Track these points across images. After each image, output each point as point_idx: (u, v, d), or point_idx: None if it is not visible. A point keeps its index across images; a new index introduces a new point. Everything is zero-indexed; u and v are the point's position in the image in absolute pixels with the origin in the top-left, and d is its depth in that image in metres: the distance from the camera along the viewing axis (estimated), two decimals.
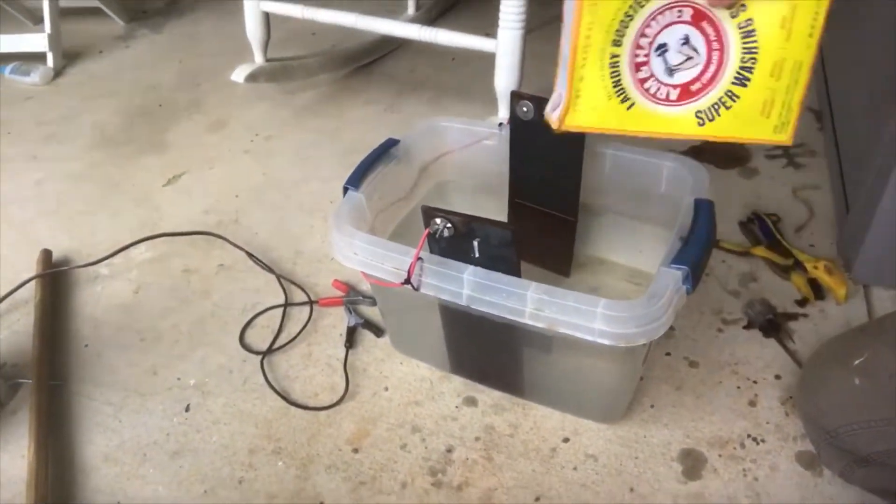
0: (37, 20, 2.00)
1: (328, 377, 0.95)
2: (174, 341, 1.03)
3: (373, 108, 1.51)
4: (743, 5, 0.59)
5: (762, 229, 1.05)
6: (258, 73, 1.45)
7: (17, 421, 0.93)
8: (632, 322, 0.64)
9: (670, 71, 0.63)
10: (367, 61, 1.67)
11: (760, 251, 1.02)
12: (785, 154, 1.22)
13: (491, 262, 0.71)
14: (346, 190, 0.84)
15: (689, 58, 0.62)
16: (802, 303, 0.96)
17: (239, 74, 1.43)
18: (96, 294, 1.12)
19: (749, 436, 0.82)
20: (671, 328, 0.66)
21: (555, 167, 0.87)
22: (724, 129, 0.64)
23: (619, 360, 0.76)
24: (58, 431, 0.92)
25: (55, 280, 1.14)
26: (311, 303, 1.05)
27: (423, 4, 1.78)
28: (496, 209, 0.96)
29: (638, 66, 0.63)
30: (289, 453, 0.86)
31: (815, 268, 0.97)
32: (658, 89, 0.64)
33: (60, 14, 1.82)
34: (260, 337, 1.02)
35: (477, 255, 0.71)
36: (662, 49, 0.62)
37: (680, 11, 0.60)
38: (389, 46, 1.70)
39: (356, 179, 0.84)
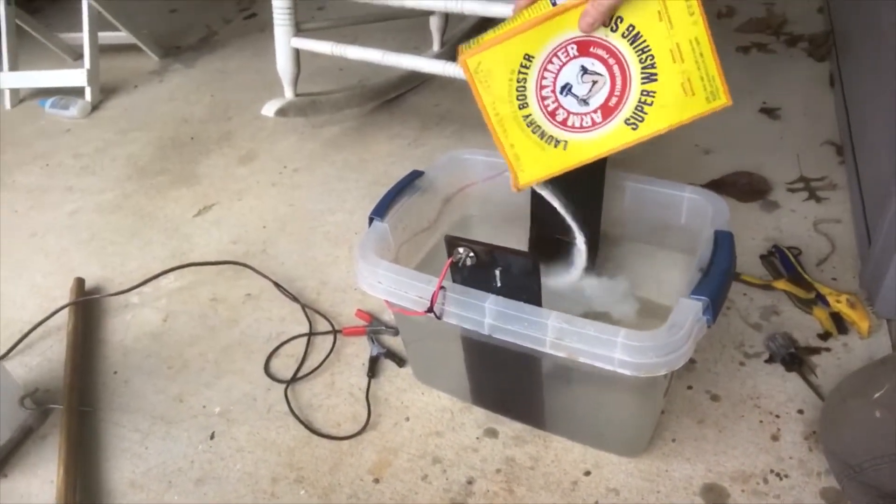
0: (76, 56, 2.08)
1: (350, 406, 0.96)
2: (201, 369, 1.05)
3: (398, 141, 1.54)
4: (619, 17, 0.64)
5: (783, 262, 1.05)
6: (288, 107, 1.49)
7: (47, 445, 0.95)
8: (652, 352, 0.65)
9: (584, 101, 0.68)
10: (393, 96, 1.71)
11: (782, 284, 1.02)
12: (806, 187, 1.22)
13: (513, 291, 0.72)
14: (371, 220, 0.86)
15: (595, 82, 0.67)
16: (825, 337, 0.95)
17: (269, 109, 1.47)
18: (126, 322, 1.15)
19: (772, 471, 0.81)
20: (692, 361, 0.66)
21: (576, 198, 0.88)
22: (658, 123, 0.68)
23: (640, 391, 0.76)
24: (86, 457, 0.94)
25: (87, 308, 1.17)
26: (334, 332, 1.07)
27: (448, 41, 1.83)
28: (518, 241, 0.97)
29: (553, 113, 0.69)
30: (311, 482, 0.87)
31: (838, 301, 0.97)
32: (581, 120, 0.69)
33: (99, 50, 1.90)
34: (284, 365, 1.03)
35: (499, 284, 0.73)
36: (567, 88, 0.68)
37: (566, 52, 0.66)
38: (414, 82, 1.73)
39: (381, 210, 0.86)
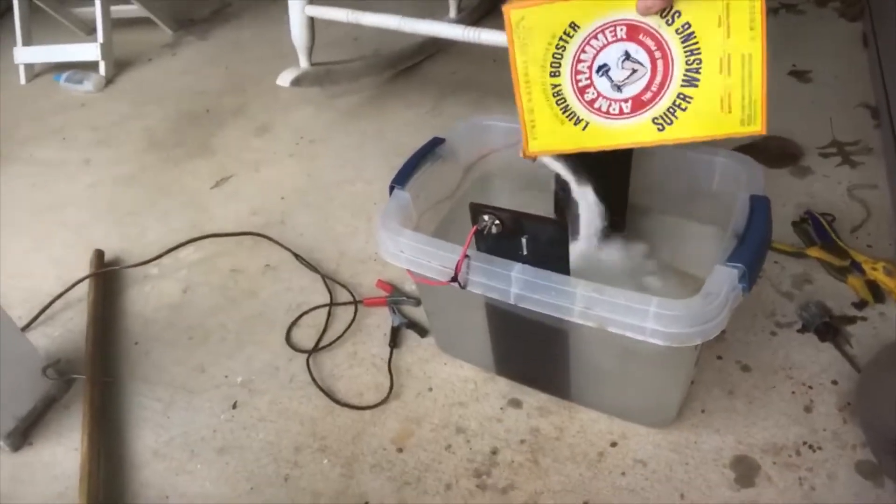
0: (90, 31, 2.06)
1: (373, 377, 0.95)
2: (221, 340, 1.04)
3: (415, 110, 1.51)
4: (677, 11, 0.60)
5: (816, 229, 1.02)
6: (303, 77, 1.47)
7: (71, 415, 0.96)
8: (686, 321, 0.62)
9: (617, 87, 0.65)
10: (409, 65, 1.67)
11: (815, 252, 0.99)
12: (839, 152, 1.18)
13: (540, 259, 0.70)
14: (392, 189, 0.84)
15: (634, 71, 0.64)
16: (860, 305, 0.93)
17: (284, 79, 1.44)
18: (146, 293, 1.15)
19: (805, 443, 0.80)
20: (722, 331, 0.64)
21: (603, 164, 0.85)
22: (685, 130, 0.65)
23: (670, 361, 0.74)
24: (109, 426, 0.94)
25: (107, 279, 1.17)
26: (355, 302, 1.05)
27: (465, 7, 1.78)
28: (541, 209, 0.95)
29: (583, 90, 0.66)
30: (334, 452, 0.86)
31: (874, 269, 0.94)
32: (609, 106, 0.66)
33: (112, 24, 1.88)
34: (306, 336, 1.03)
35: (525, 252, 0.71)
36: (604, 69, 0.65)
37: (614, 31, 0.62)
38: (430, 50, 1.70)
39: (402, 178, 0.84)
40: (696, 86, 0.63)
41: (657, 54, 0.63)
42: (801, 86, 1.37)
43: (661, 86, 0.64)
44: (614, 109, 0.66)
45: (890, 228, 1.02)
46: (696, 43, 0.61)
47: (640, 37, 0.62)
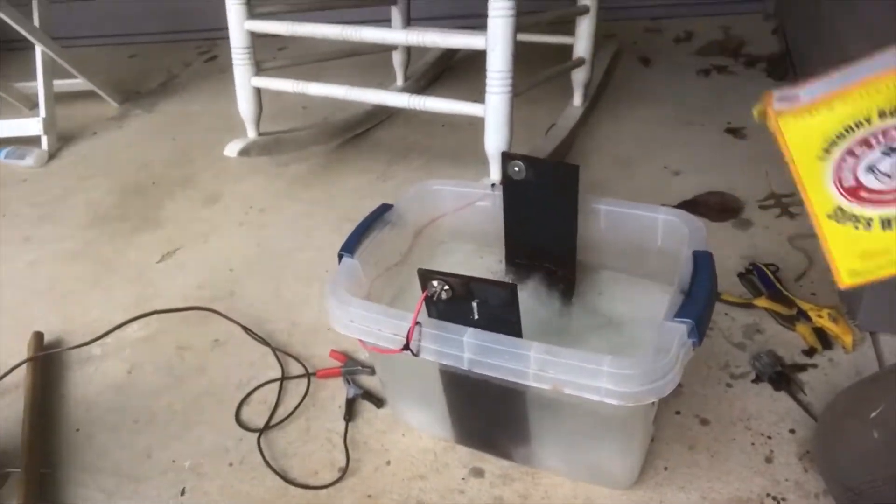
0: (32, 105, 2.03)
1: (328, 453, 0.91)
2: (168, 421, 1.00)
3: (365, 176, 1.52)
4: None
5: (762, 280, 1.04)
6: (251, 147, 1.47)
7: None
8: (638, 379, 0.62)
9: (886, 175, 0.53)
10: (359, 132, 1.69)
11: (763, 302, 1.01)
12: (777, 203, 1.22)
13: (491, 323, 0.69)
14: (340, 257, 0.83)
15: None
16: (810, 353, 0.94)
17: (232, 149, 1.44)
18: (88, 375, 1.09)
19: (769, 495, 0.79)
20: (679, 385, 0.64)
21: (550, 224, 0.86)
22: None
23: (627, 420, 0.73)
24: None
25: (47, 363, 1.12)
26: (308, 375, 1.03)
27: (411, 76, 1.82)
28: (493, 271, 0.95)
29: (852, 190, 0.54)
30: None
31: (820, 316, 0.96)
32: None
33: (55, 98, 1.86)
34: (256, 413, 0.99)
35: (476, 316, 0.70)
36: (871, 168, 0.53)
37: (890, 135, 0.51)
38: (379, 117, 1.72)
39: (351, 246, 0.83)
40: None
41: None
42: (737, 142, 1.43)
43: None
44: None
45: (831, 276, 1.05)
46: None
47: None
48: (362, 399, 0.97)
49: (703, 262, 0.72)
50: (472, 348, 0.68)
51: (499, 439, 0.86)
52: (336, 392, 1.00)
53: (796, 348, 0.95)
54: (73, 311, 1.24)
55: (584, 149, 1.48)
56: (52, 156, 1.82)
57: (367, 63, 1.71)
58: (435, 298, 0.70)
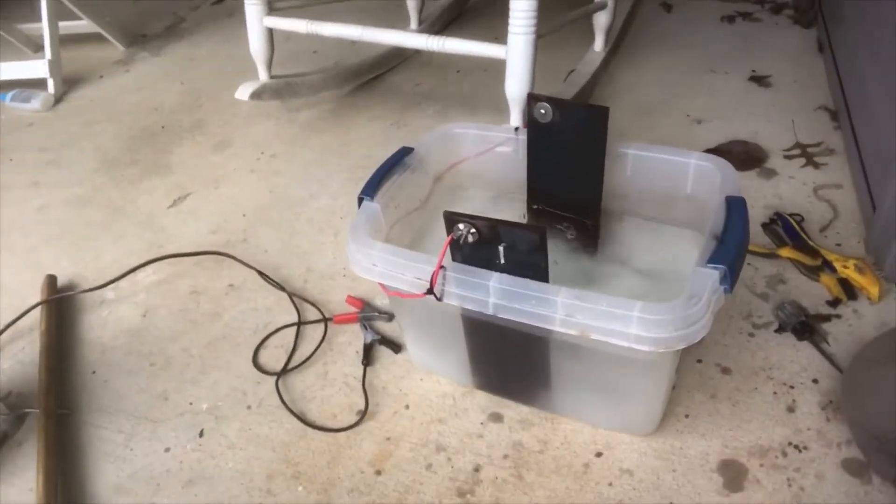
0: (37, 48, 1.99)
1: (346, 397, 0.91)
2: (185, 365, 0.99)
3: (379, 123, 1.49)
4: None
5: (786, 230, 1.02)
6: (262, 90, 1.43)
7: (24, 453, 0.90)
8: (671, 325, 0.61)
9: None
10: (371, 77, 1.65)
11: (787, 252, 0.99)
12: (803, 153, 1.19)
13: (518, 268, 0.67)
14: (360, 200, 0.81)
15: None
16: (834, 303, 0.93)
17: (243, 92, 1.40)
18: (103, 319, 1.09)
19: (790, 443, 0.79)
20: None
21: (575, 170, 0.84)
22: None
23: (652, 367, 0.72)
24: (67, 462, 0.88)
25: (60, 306, 1.11)
26: (325, 320, 1.02)
27: (426, 19, 1.77)
28: (514, 217, 0.93)
29: None
30: (308, 477, 0.82)
31: (846, 267, 0.94)
32: None
33: (60, 40, 1.81)
34: (273, 357, 0.98)
35: (503, 261, 0.68)
36: None
37: None
38: (392, 62, 1.68)
39: (371, 189, 0.81)
40: None
41: None
42: (762, 90, 1.39)
43: None
44: None
45: (857, 227, 1.03)
46: None
47: None
48: (379, 345, 0.97)
49: (736, 208, 0.70)
50: (497, 293, 0.67)
51: (519, 385, 0.85)
52: (353, 338, 0.99)
53: (820, 299, 0.94)
54: (86, 255, 1.23)
55: (603, 95, 1.45)
56: (58, 99, 1.78)
57: (380, 7, 1.66)
58: (461, 242, 0.68)
